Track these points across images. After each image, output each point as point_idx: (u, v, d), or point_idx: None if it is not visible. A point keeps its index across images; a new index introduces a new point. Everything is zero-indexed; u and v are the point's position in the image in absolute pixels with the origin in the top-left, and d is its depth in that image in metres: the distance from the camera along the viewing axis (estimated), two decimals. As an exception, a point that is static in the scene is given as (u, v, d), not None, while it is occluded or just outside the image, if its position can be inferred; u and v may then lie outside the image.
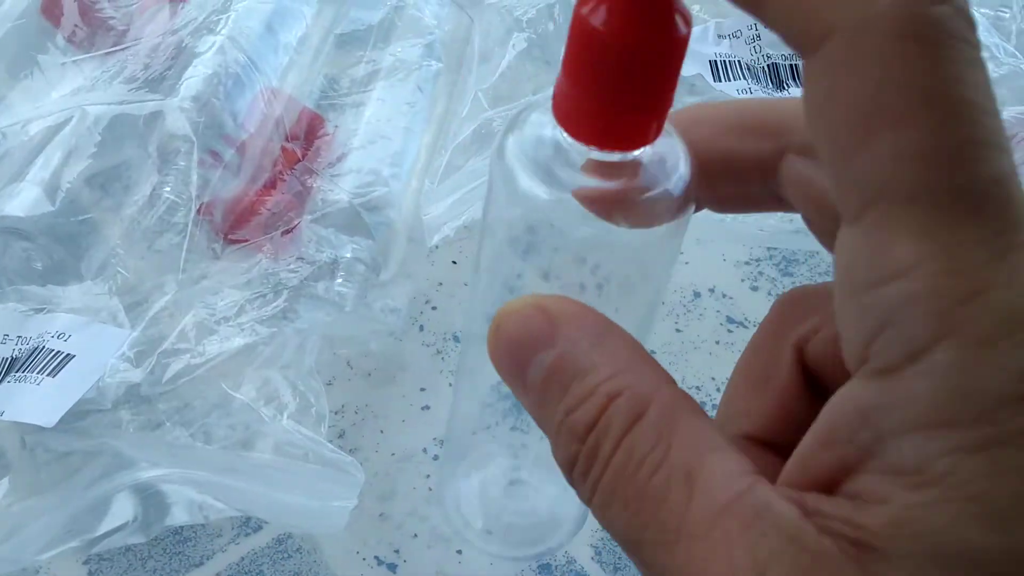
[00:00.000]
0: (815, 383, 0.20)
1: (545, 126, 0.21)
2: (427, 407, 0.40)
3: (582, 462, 0.17)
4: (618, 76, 0.19)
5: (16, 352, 0.36)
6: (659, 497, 0.16)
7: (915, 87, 0.14)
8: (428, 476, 0.38)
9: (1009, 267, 0.14)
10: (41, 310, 0.37)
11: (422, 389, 0.41)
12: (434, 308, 0.44)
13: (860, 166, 0.14)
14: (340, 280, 0.39)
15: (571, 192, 0.21)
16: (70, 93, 0.41)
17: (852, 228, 0.15)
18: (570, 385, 0.18)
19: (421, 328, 0.43)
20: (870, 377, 0.15)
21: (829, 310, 0.16)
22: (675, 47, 0.19)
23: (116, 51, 0.43)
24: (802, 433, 0.17)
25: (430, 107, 0.45)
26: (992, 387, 0.14)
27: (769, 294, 0.45)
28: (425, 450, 0.39)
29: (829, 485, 0.16)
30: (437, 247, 0.43)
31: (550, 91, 0.20)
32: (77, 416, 0.33)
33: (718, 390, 0.42)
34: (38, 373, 0.34)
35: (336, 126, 0.43)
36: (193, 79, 0.40)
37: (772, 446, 0.21)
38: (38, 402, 0.33)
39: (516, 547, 0.33)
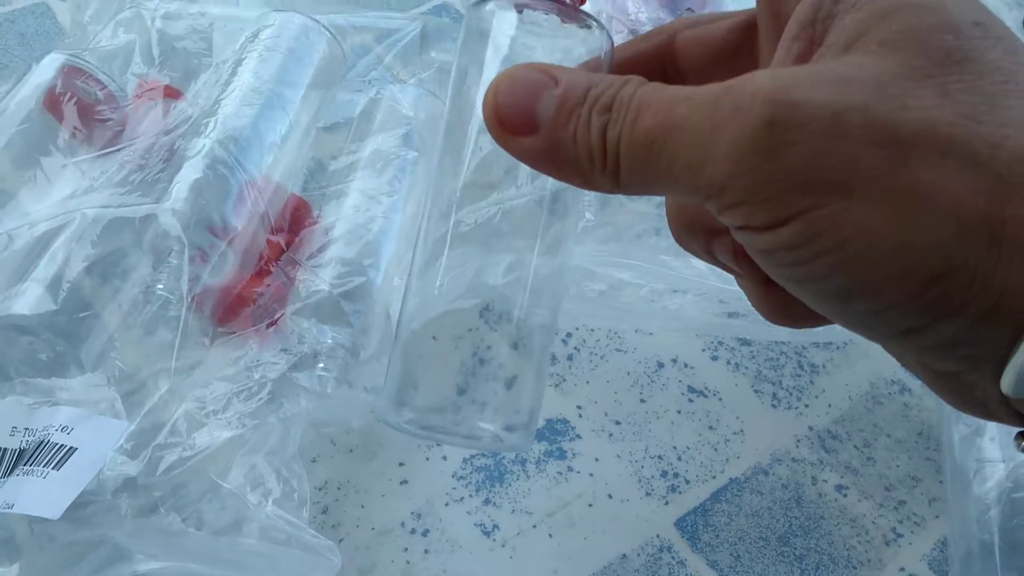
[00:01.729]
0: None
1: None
2: (405, 482, 0.43)
3: (613, 121, 0.23)
4: None
5: (24, 444, 0.39)
6: (676, 97, 0.22)
7: None
8: (406, 549, 0.41)
9: None
10: (46, 402, 0.40)
11: (400, 464, 0.44)
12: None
13: None
14: (321, 366, 0.42)
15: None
16: (70, 195, 0.44)
17: None
18: (587, 92, 0.23)
19: (400, 404, 0.46)
20: None
21: None
22: None
23: (113, 151, 0.46)
24: None
25: (407, 196, 0.48)
26: None
27: (728, 363, 0.48)
28: (403, 524, 0.42)
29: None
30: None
31: None
32: (79, 506, 0.36)
33: (679, 459, 0.45)
34: (44, 466, 0.37)
35: (319, 216, 0.46)
36: (183, 183, 0.43)
37: None
38: (45, 495, 0.36)
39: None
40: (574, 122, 0.24)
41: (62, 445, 0.38)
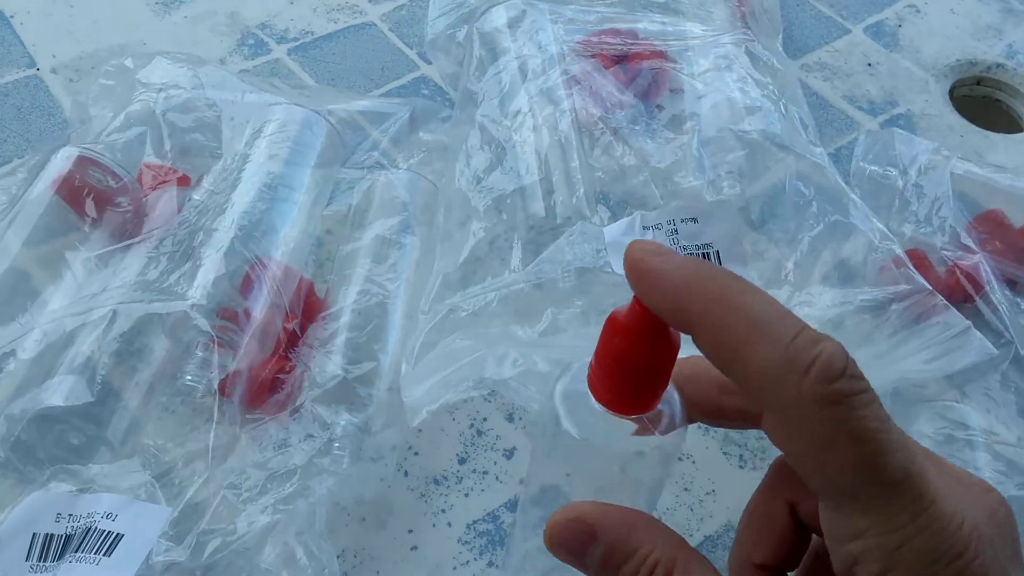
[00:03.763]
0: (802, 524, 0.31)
1: (581, 383, 0.32)
2: (415, 548, 0.48)
3: None
4: (631, 378, 0.29)
5: (69, 530, 0.42)
6: None
7: (841, 430, 0.23)
8: (420, 612, 0.46)
9: (918, 524, 0.24)
10: (86, 489, 0.43)
11: (410, 531, 0.48)
12: (416, 454, 0.51)
13: (823, 473, 0.24)
14: (337, 445, 0.46)
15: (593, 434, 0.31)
16: (98, 290, 0.47)
17: (826, 504, 0.25)
18: (621, 566, 0.28)
19: (406, 474, 0.50)
20: None
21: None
22: (663, 365, 0.29)
23: (133, 243, 0.49)
24: (797, 561, 0.30)
25: (408, 280, 0.52)
26: None
27: (698, 427, 0.54)
28: (416, 588, 0.46)
29: None
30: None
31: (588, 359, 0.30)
32: (130, 589, 0.40)
33: (660, 518, 0.50)
34: (95, 553, 0.40)
35: (326, 297, 0.50)
36: (207, 277, 0.46)
37: (777, 570, 0.31)
38: (100, 582, 0.39)
39: None
40: None
41: (109, 532, 0.41)
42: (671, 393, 0.32)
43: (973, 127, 0.72)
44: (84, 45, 0.68)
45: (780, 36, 0.69)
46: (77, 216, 0.51)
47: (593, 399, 0.31)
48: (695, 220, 0.50)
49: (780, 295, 0.50)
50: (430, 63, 0.70)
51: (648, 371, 0.30)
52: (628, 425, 0.31)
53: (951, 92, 0.76)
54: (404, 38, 0.72)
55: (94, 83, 0.57)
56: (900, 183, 0.56)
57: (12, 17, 0.69)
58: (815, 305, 0.50)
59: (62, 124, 0.62)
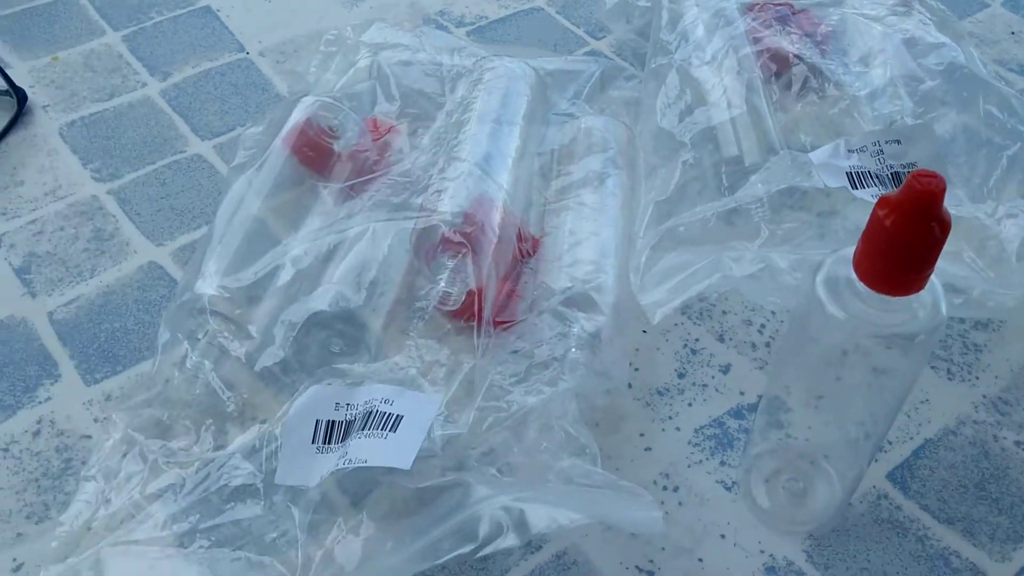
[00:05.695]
0: None
1: (843, 269, 0.34)
2: (648, 449, 0.50)
3: None
4: (900, 257, 0.30)
5: (349, 416, 0.46)
6: None
7: None
8: (663, 503, 0.48)
9: None
10: (359, 383, 0.47)
11: (641, 435, 0.51)
12: (636, 369, 0.54)
13: None
14: (574, 348, 0.49)
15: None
16: (348, 214, 0.52)
17: None
18: None
19: (629, 386, 0.53)
20: None
21: None
22: (934, 245, 0.30)
23: (379, 175, 0.54)
24: None
25: (620, 208, 0.55)
26: None
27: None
28: (655, 483, 0.49)
29: None
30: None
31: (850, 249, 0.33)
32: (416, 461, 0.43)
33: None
34: (381, 430, 0.44)
35: (553, 227, 0.54)
36: (456, 198, 0.50)
37: None
38: (392, 451, 0.43)
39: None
40: None
41: (390, 414, 0.45)
42: (935, 282, 0.34)
43: None
44: (284, 32, 0.74)
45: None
46: (313, 167, 0.55)
47: (859, 281, 0.34)
48: (898, 142, 0.53)
49: (985, 208, 0.52)
50: (599, 39, 0.74)
51: (917, 250, 0.31)
52: (894, 305, 0.34)
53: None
54: (571, 19, 0.77)
55: (315, 52, 0.63)
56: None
57: (219, 11, 0.76)
58: (1020, 216, 0.52)
59: (276, 97, 0.68)
